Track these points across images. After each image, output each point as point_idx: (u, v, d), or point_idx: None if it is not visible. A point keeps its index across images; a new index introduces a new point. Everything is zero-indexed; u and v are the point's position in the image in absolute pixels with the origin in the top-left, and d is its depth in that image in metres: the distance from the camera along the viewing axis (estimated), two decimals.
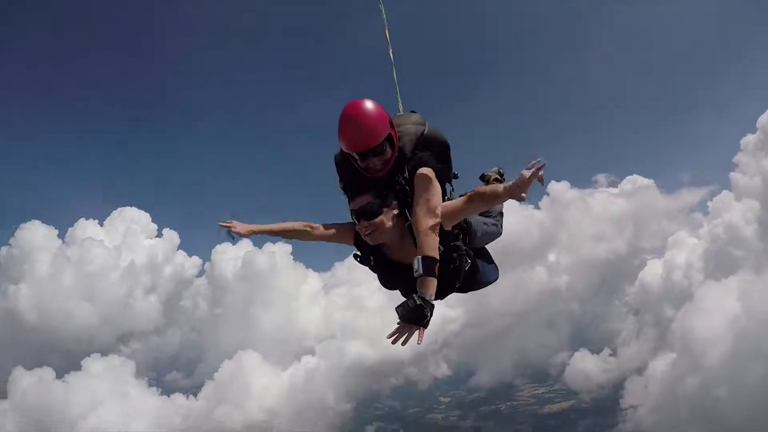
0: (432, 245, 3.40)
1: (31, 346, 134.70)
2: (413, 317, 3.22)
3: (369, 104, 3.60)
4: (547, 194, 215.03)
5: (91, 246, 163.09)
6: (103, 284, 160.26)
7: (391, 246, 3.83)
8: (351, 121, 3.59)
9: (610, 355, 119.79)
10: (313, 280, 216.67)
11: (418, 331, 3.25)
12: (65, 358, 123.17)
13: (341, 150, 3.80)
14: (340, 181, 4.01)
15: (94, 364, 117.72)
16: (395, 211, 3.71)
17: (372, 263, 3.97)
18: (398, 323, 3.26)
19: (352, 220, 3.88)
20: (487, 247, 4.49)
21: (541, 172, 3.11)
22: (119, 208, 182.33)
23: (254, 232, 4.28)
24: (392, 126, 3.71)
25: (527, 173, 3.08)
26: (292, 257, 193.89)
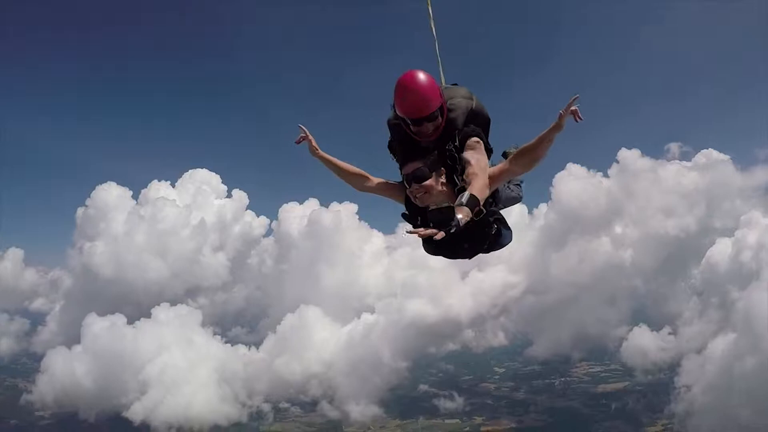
0: (481, 191, 3.80)
1: (105, 298, 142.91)
2: (442, 219, 3.48)
3: (424, 75, 4.03)
4: (617, 161, 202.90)
5: (164, 205, 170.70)
6: (173, 241, 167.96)
7: (434, 204, 4.14)
8: (410, 89, 4.00)
9: (670, 334, 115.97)
10: (377, 240, 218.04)
11: (439, 232, 3.50)
12: (137, 310, 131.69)
13: (395, 114, 4.25)
14: (390, 141, 4.53)
15: (162, 312, 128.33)
16: (443, 177, 4.16)
17: (419, 223, 4.24)
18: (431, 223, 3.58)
19: (402, 182, 4.34)
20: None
21: (574, 107, 3.80)
22: (190, 170, 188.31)
23: (319, 156, 4.70)
24: (442, 96, 4.17)
25: (562, 111, 3.78)
26: (357, 217, 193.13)
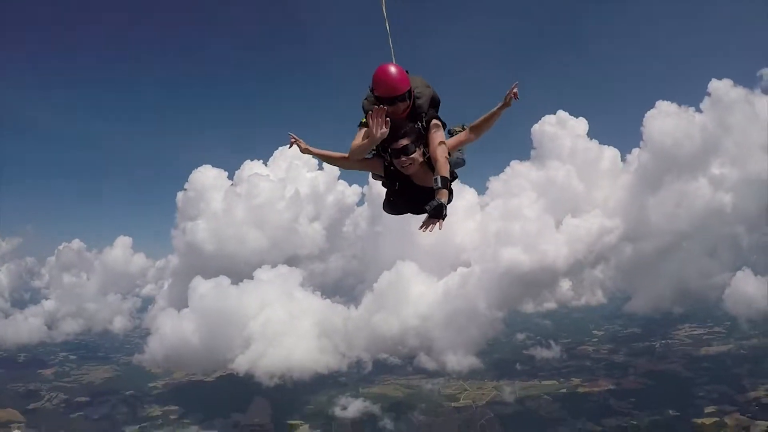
0: (446, 169, 4.84)
1: (210, 271, 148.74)
2: (437, 213, 4.54)
3: (395, 66, 5.08)
4: (708, 94, 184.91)
5: (258, 181, 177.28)
6: (270, 213, 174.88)
7: (415, 174, 5.18)
8: (388, 75, 4.98)
9: None
10: (469, 195, 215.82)
11: (439, 222, 4.61)
12: (239, 277, 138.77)
13: (373, 98, 5.16)
14: (363, 122, 5.23)
15: (264, 273, 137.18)
16: (421, 150, 5.04)
17: (397, 187, 5.39)
18: (426, 218, 4.63)
19: (379, 153, 5.31)
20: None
21: (515, 90, 4.95)
22: (280, 148, 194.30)
23: (308, 151, 5.69)
24: (410, 83, 5.13)
25: (508, 93, 4.96)
26: None
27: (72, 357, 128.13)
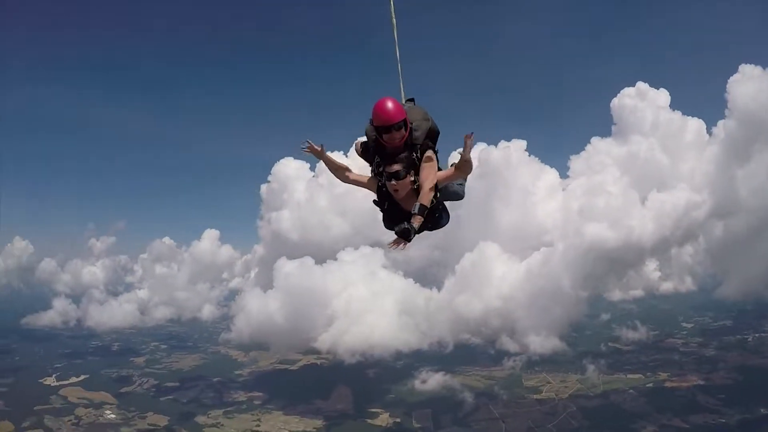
0: (428, 198, 5.50)
1: (294, 257, 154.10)
2: (403, 235, 5.39)
3: (392, 100, 5.74)
4: None
5: None
6: (352, 201, 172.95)
7: (403, 200, 5.74)
8: (383, 107, 5.65)
9: None
10: (550, 175, 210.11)
11: (404, 243, 5.45)
12: (322, 261, 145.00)
13: (372, 127, 5.85)
14: (365, 144, 6.17)
15: (347, 255, 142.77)
16: (412, 177, 5.61)
17: (385, 207, 5.95)
18: (395, 238, 5.44)
19: (375, 175, 5.93)
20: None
21: (470, 142, 5.36)
22: (360, 138, 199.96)
23: (322, 157, 6.23)
24: (406, 114, 5.76)
25: (464, 151, 5.39)
26: (527, 153, 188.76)
27: (163, 346, 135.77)
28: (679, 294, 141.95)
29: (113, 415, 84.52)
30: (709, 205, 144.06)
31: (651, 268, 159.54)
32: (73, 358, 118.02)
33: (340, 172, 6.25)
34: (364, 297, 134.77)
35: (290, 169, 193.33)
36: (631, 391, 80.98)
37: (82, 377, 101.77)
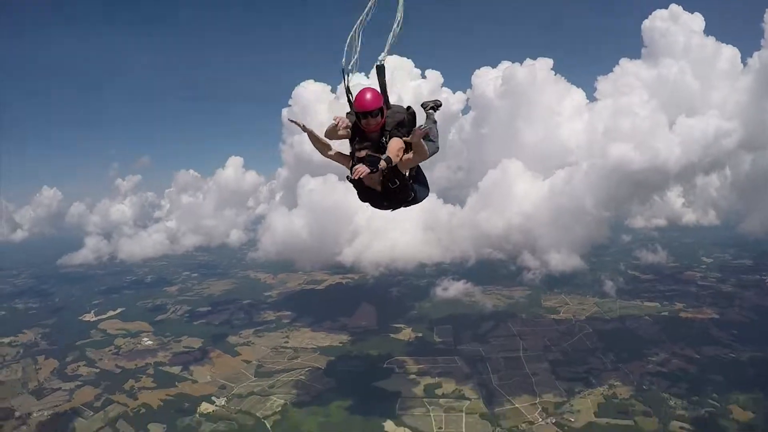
0: (394, 156, 6.37)
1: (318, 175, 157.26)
2: (370, 162, 6.22)
3: (372, 90, 6.66)
4: None
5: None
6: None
7: (369, 181, 6.67)
8: (364, 95, 6.58)
9: None
10: (577, 95, 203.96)
11: (364, 171, 6.15)
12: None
13: (353, 112, 6.74)
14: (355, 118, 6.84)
15: None
16: (380, 169, 6.28)
17: (356, 185, 6.77)
18: (360, 164, 6.23)
19: (350, 155, 6.85)
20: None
21: (419, 133, 6.43)
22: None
23: (308, 131, 6.88)
24: (384, 105, 6.72)
25: (417, 133, 6.42)
26: (552, 72, 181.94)
27: (194, 275, 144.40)
28: (702, 227, 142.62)
29: (150, 342, 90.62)
30: (739, 135, 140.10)
31: (675, 195, 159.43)
32: (110, 293, 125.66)
33: (323, 147, 6.95)
34: (387, 212, 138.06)
35: (311, 92, 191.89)
36: (646, 318, 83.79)
37: (119, 310, 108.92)
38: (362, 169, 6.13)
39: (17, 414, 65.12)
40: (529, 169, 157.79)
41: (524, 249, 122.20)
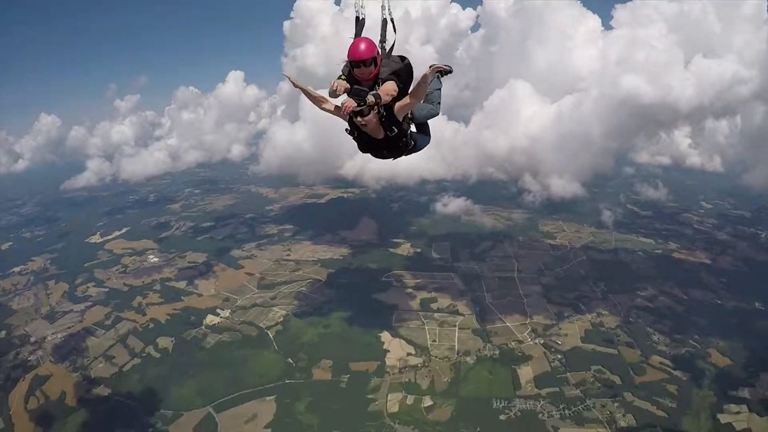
0: (384, 95, 6.32)
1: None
2: (356, 94, 6.23)
3: (367, 40, 6.66)
4: None
5: (366, 3, 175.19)
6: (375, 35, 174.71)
7: (371, 130, 6.64)
8: (358, 45, 6.55)
9: None
10: (592, 21, 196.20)
11: (351, 105, 6.18)
12: None
13: (347, 62, 6.73)
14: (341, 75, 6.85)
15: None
16: (376, 111, 6.37)
17: (356, 136, 6.87)
18: (348, 97, 6.30)
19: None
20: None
21: (441, 67, 6.68)
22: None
23: (300, 88, 6.97)
24: (378, 55, 6.68)
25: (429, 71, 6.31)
26: None
27: (196, 191, 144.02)
28: (705, 172, 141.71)
29: (156, 259, 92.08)
30: (756, 84, 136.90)
31: (682, 135, 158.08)
32: (114, 214, 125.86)
33: (317, 101, 6.99)
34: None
35: (314, 4, 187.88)
36: (640, 252, 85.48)
37: (124, 230, 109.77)
38: (350, 104, 6.11)
39: (32, 339, 67.33)
40: (537, 92, 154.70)
41: (526, 171, 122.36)
